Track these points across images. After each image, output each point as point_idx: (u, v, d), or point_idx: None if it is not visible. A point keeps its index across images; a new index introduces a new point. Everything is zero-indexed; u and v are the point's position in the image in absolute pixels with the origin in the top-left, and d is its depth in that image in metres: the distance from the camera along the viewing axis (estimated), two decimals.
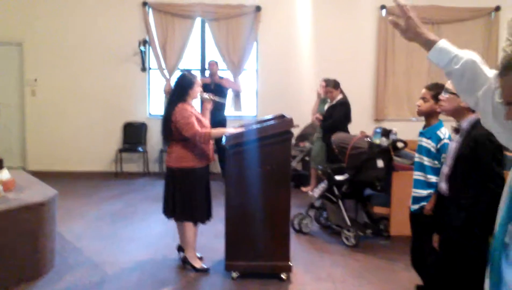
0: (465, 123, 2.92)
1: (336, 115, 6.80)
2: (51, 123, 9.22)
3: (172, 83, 4.56)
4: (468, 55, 1.81)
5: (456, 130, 2.99)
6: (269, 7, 9.08)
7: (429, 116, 3.58)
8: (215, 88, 8.13)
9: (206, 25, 9.20)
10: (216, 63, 8.56)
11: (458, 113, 2.95)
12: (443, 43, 1.86)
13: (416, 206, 3.60)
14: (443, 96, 3.03)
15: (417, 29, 1.88)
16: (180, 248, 4.71)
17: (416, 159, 3.64)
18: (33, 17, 9.04)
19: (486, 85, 1.74)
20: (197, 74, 4.74)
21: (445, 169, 2.96)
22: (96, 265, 4.64)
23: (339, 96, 6.95)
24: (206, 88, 7.89)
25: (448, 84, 2.99)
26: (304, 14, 9.09)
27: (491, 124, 1.79)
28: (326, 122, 6.90)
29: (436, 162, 3.50)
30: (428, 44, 1.89)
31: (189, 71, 4.64)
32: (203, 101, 4.67)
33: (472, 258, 2.77)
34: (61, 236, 5.18)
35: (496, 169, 2.75)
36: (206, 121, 4.52)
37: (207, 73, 9.05)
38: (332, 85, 6.95)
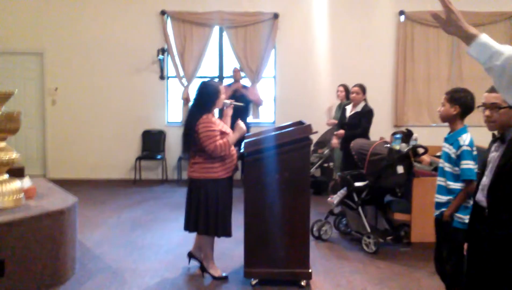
0: (510, 132, 2.71)
1: (365, 123, 6.48)
2: (71, 132, 9.32)
3: (191, 91, 4.50)
4: (509, 50, 1.76)
5: (499, 140, 2.82)
6: (287, 14, 9.10)
7: (451, 121, 3.55)
8: (239, 96, 8.17)
9: (224, 33, 9.24)
10: (240, 70, 8.60)
11: (508, 124, 2.75)
12: (484, 37, 1.81)
13: (437, 212, 3.59)
14: (495, 111, 2.84)
15: (458, 22, 1.84)
16: (191, 255, 4.68)
17: (440, 165, 3.62)
18: (53, 27, 9.17)
19: None
20: (218, 82, 4.71)
21: (485, 181, 2.81)
22: (116, 272, 4.66)
23: (363, 103, 6.59)
24: (233, 95, 7.94)
25: (496, 98, 2.77)
26: (322, 20, 9.09)
27: None
28: (353, 130, 6.47)
29: (456, 168, 3.47)
30: (469, 38, 1.84)
31: (212, 79, 4.59)
32: (223, 107, 4.62)
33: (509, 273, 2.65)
34: (81, 243, 5.22)
35: None
36: (229, 130, 4.44)
37: (225, 80, 9.12)
38: (361, 87, 6.58)
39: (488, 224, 2.70)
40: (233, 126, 4.58)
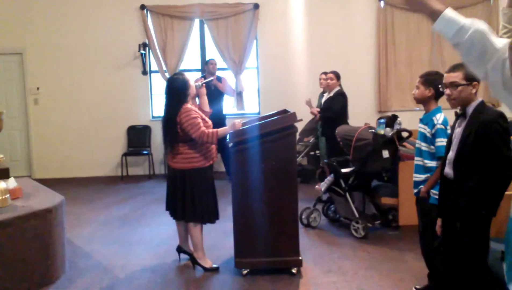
0: (470, 108, 2.94)
1: (335, 106, 6.75)
2: (55, 131, 9.25)
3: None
4: (475, 24, 1.74)
5: (461, 115, 2.99)
6: (267, 4, 9.08)
7: (426, 102, 3.67)
8: (214, 89, 8.16)
9: (205, 25, 9.20)
10: (216, 62, 8.55)
11: (467, 101, 2.96)
12: (449, 12, 1.77)
13: (416, 190, 3.71)
14: (454, 89, 2.98)
15: None
16: (180, 249, 4.73)
17: (416, 145, 3.74)
18: (33, 26, 9.07)
19: (495, 57, 1.70)
20: (193, 74, 4.79)
21: (451, 155, 2.97)
22: (106, 269, 4.64)
23: (337, 88, 6.88)
24: (208, 90, 7.94)
25: (455, 77, 2.96)
26: (302, 9, 9.08)
27: (502, 95, 1.74)
28: (325, 113, 6.82)
29: (432, 147, 3.58)
30: (434, 14, 1.80)
31: (177, 72, 4.65)
32: (197, 89, 4.66)
33: (477, 240, 2.83)
34: (70, 241, 5.20)
35: (505, 152, 2.77)
36: (207, 119, 4.51)
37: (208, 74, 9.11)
38: (336, 74, 6.88)
39: (455, 194, 2.87)
40: (211, 118, 4.65)
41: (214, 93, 8.17)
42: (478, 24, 1.74)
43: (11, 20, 9.05)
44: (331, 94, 6.87)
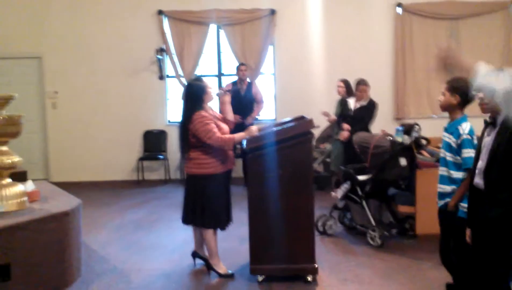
0: (501, 116, 2.79)
1: (368, 116, 6.68)
2: (72, 135, 9.32)
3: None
4: (499, 85, 2.29)
5: (490, 124, 2.89)
6: (284, 9, 9.08)
7: (450, 110, 3.55)
8: (245, 95, 8.22)
9: (222, 30, 9.23)
10: (246, 68, 8.50)
11: (499, 108, 2.75)
12: (479, 79, 2.35)
13: (441, 202, 3.59)
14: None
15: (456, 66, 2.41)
16: (195, 254, 4.73)
17: (441, 155, 3.63)
18: (51, 30, 9.17)
19: None
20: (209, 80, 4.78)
21: (481, 164, 2.88)
22: (122, 273, 4.66)
23: (368, 97, 6.78)
24: (236, 96, 7.99)
25: None
26: (319, 15, 9.06)
27: None
28: (358, 126, 6.54)
29: (458, 157, 3.47)
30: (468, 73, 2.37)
31: (197, 77, 4.64)
32: (219, 97, 4.67)
33: (507, 252, 2.75)
34: (86, 245, 5.21)
35: None
36: (226, 127, 4.46)
37: (224, 79, 9.13)
38: (366, 83, 6.74)
39: (485, 205, 2.79)
40: (242, 126, 4.62)
41: (245, 100, 8.25)
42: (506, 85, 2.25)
43: (30, 24, 9.16)
44: (364, 103, 6.74)
